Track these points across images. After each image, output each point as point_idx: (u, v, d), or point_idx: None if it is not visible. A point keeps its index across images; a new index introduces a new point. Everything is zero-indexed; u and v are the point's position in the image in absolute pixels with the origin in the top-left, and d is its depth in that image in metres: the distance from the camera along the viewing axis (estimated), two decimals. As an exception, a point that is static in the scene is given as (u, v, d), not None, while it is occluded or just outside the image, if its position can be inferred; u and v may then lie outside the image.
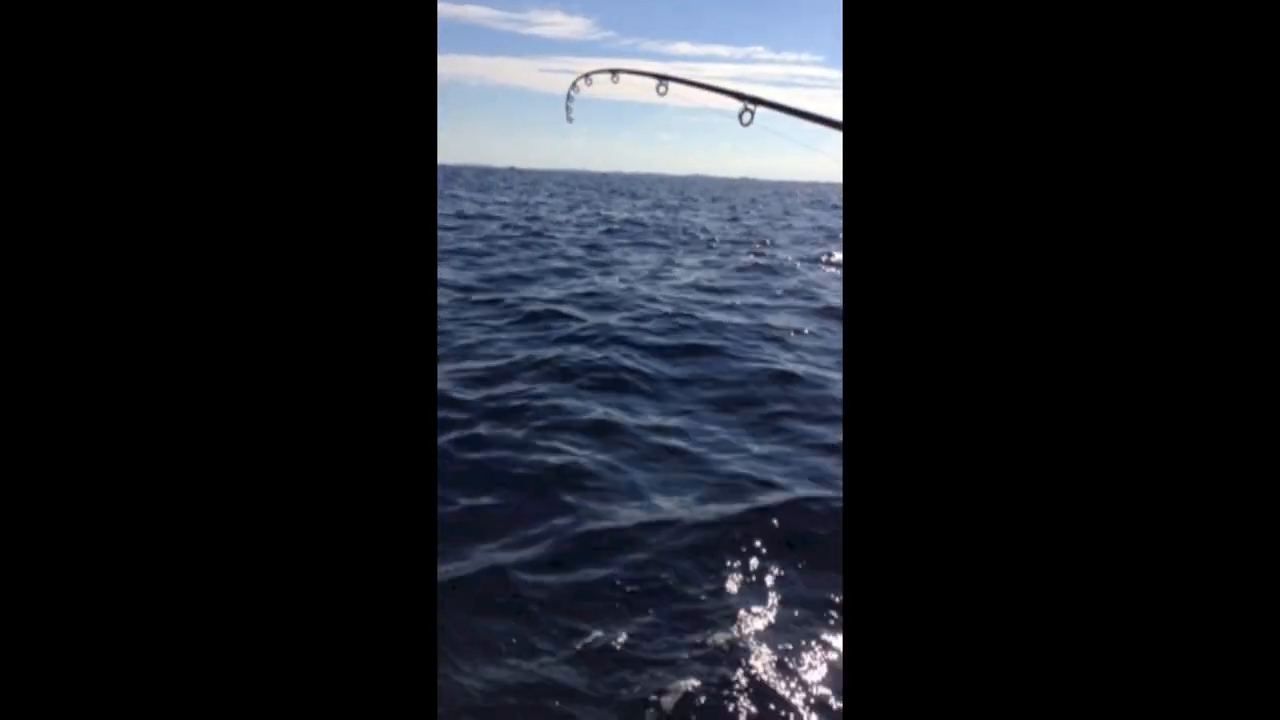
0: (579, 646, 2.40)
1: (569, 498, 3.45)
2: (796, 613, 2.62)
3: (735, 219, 25.74)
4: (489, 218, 20.27)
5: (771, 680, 2.27)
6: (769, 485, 3.63)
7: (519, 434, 4.17)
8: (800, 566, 2.90)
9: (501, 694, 2.18)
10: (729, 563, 2.92)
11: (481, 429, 4.21)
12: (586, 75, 3.09)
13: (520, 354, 5.86)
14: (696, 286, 9.79)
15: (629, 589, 2.73)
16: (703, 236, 17.85)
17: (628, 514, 3.30)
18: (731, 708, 2.16)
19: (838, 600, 2.65)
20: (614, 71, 2.94)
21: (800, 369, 5.70)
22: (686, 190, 66.15)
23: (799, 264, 12.61)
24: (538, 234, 16.13)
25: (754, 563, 2.93)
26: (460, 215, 20.67)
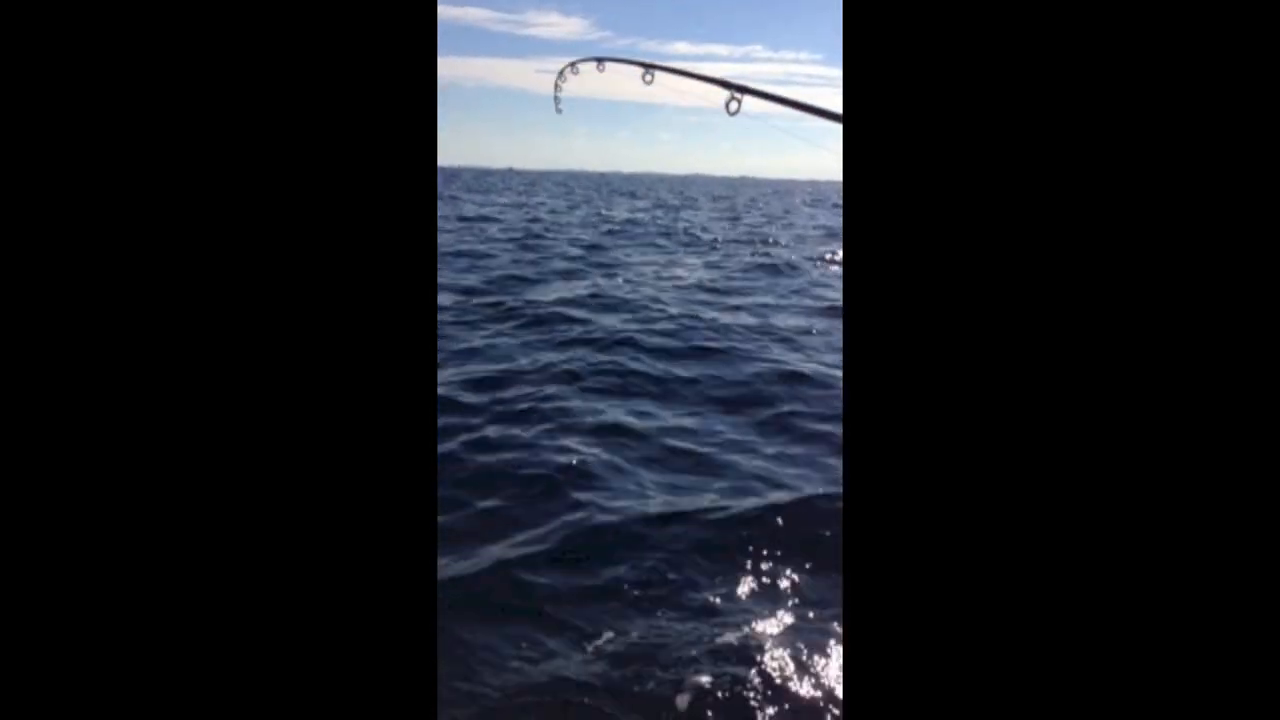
0: (592, 646, 2.41)
1: (578, 497, 3.45)
2: (808, 612, 2.63)
3: (736, 218, 25.70)
4: (489, 219, 20.24)
5: (785, 679, 2.28)
6: (778, 485, 3.63)
7: (527, 435, 4.17)
8: (810, 565, 2.90)
9: (515, 693, 2.19)
10: (739, 562, 2.93)
11: (490, 431, 4.21)
12: (572, 64, 3.11)
13: (526, 357, 5.86)
14: (701, 286, 9.77)
15: (640, 588, 2.73)
16: (705, 236, 17.81)
17: (637, 514, 3.30)
18: (745, 706, 2.17)
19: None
20: (599, 60, 2.95)
21: (808, 368, 5.69)
22: (686, 190, 66.00)
23: (803, 263, 12.59)
24: (539, 235, 16.10)
25: (764, 562, 2.93)
26: (460, 218, 20.66)
